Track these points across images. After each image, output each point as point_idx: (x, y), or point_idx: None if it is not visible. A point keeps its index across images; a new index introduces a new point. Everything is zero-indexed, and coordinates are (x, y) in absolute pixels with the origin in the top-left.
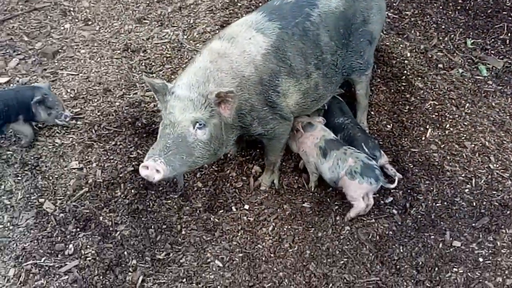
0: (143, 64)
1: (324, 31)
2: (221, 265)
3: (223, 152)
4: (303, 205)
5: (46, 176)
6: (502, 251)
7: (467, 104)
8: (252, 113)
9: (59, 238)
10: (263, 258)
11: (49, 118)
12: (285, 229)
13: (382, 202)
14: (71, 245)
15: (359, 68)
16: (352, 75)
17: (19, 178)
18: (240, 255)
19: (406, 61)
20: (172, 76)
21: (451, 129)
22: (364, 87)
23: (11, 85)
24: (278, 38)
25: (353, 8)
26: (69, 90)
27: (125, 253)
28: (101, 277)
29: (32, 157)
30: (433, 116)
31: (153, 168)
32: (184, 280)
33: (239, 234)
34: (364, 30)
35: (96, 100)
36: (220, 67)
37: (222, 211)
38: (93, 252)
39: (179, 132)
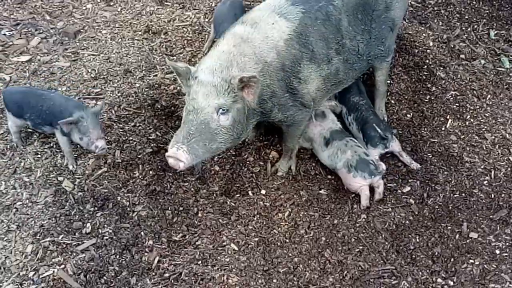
0: (163, 46)
1: (345, 15)
2: (236, 248)
3: (244, 137)
4: (320, 192)
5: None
6: None
7: (489, 96)
8: (273, 99)
9: (77, 216)
10: (279, 243)
11: (81, 142)
12: (301, 215)
13: (399, 191)
14: (88, 224)
15: (380, 54)
16: (374, 61)
17: (38, 156)
18: (256, 239)
19: (428, 51)
20: (193, 59)
21: (472, 120)
22: (384, 73)
23: (33, 64)
24: (301, 23)
25: None
26: (89, 70)
27: (142, 233)
28: (117, 256)
29: (51, 135)
30: (454, 106)
31: (177, 158)
32: (200, 262)
33: (255, 218)
34: (386, 17)
35: (116, 81)
36: (244, 52)
37: (238, 195)
38: (110, 231)
39: (202, 119)
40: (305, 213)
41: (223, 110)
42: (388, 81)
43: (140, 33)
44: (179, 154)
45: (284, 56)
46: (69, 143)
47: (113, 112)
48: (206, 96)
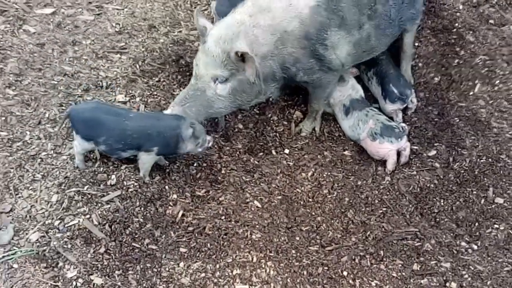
0: (188, 2)
1: None
2: (259, 205)
3: (264, 98)
4: (344, 153)
5: None
6: None
7: None
8: (297, 65)
9: (102, 168)
10: (302, 202)
11: (195, 148)
12: (324, 175)
13: (424, 155)
14: (113, 176)
15: (411, 17)
16: (405, 25)
17: (63, 107)
18: (279, 197)
19: (457, 14)
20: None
21: (501, 85)
22: (412, 36)
23: (57, 17)
24: None
25: None
26: (114, 24)
27: (166, 187)
28: (142, 209)
29: (76, 88)
30: (483, 71)
31: None
32: (223, 217)
33: (278, 177)
34: None
35: (140, 35)
36: (258, 23)
37: (262, 153)
38: (135, 184)
39: (200, 86)
40: (329, 173)
41: (221, 80)
42: (416, 44)
43: None
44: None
45: (308, 24)
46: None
47: (138, 66)
48: (206, 64)
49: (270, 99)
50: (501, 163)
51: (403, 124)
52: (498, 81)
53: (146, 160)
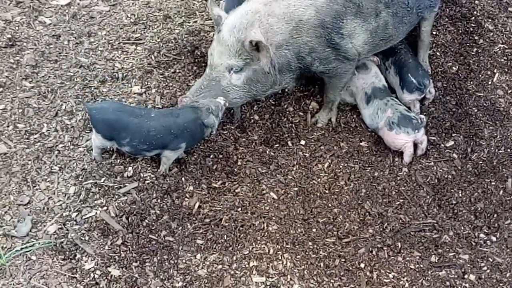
0: None
1: None
2: (276, 197)
3: (279, 89)
4: (360, 144)
5: (107, 99)
6: None
7: None
8: (312, 54)
9: (119, 160)
10: (318, 194)
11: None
12: (341, 166)
13: (442, 145)
14: (130, 168)
15: (429, 5)
16: (423, 13)
17: (79, 99)
18: (295, 189)
19: (476, 1)
20: None
21: None
22: (430, 24)
23: (72, 8)
24: None
25: None
26: (129, 15)
27: (183, 179)
28: (158, 201)
29: (92, 79)
30: (502, 60)
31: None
32: (239, 209)
33: (295, 168)
34: None
35: (156, 26)
36: (273, 11)
37: (278, 145)
38: (151, 175)
39: (215, 76)
40: (345, 164)
41: (236, 69)
42: (434, 32)
43: None
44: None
45: (324, 12)
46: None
47: (153, 57)
48: (220, 54)
49: (286, 89)
50: None
51: (422, 116)
52: None
53: (172, 156)
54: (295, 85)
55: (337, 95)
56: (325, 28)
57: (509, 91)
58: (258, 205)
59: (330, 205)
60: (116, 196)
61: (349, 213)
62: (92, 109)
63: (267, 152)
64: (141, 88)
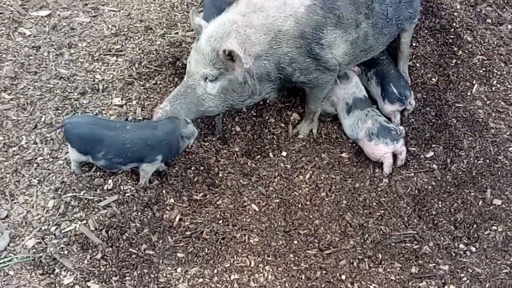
0: (185, 3)
1: None
2: (257, 209)
3: (259, 99)
4: (341, 155)
5: (87, 111)
6: None
7: None
8: (292, 65)
9: (98, 173)
10: (299, 205)
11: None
12: (322, 178)
13: (422, 156)
14: (110, 181)
15: (409, 17)
16: (403, 24)
17: (59, 111)
18: (277, 200)
19: (455, 13)
20: None
21: (498, 85)
22: (410, 35)
23: (53, 19)
24: None
25: None
26: (110, 26)
27: (164, 191)
28: (139, 214)
29: (72, 91)
30: (481, 71)
31: (160, 114)
32: (221, 221)
33: (276, 180)
34: None
35: (137, 37)
36: (251, 23)
37: (259, 156)
38: (132, 188)
39: (191, 83)
40: (326, 176)
41: (211, 78)
42: (413, 44)
43: None
44: (159, 113)
45: (304, 23)
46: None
47: (134, 69)
48: (196, 62)
49: (267, 100)
50: (499, 164)
51: (401, 127)
52: (495, 81)
53: (149, 169)
54: (277, 96)
55: (318, 106)
56: (305, 39)
57: (487, 102)
58: (240, 217)
59: (311, 216)
60: (96, 210)
61: (330, 224)
62: (66, 124)
63: (249, 163)
64: (122, 99)
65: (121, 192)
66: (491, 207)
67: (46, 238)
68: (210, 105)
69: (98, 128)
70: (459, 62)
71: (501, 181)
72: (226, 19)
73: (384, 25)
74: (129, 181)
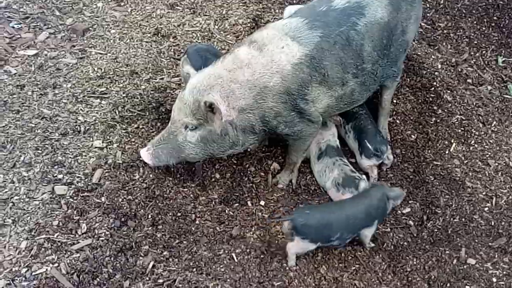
0: (172, 50)
1: (369, 41)
2: (232, 258)
3: (241, 149)
4: None
5: (66, 152)
6: None
7: (494, 122)
8: (278, 118)
9: (73, 216)
10: (275, 256)
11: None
12: None
13: (399, 212)
14: (84, 224)
15: (392, 75)
16: (385, 81)
17: (39, 151)
18: (253, 250)
19: (436, 73)
20: None
21: (476, 145)
22: (392, 92)
23: (39, 59)
24: (317, 47)
25: (395, 19)
26: (96, 69)
27: (139, 237)
28: (112, 259)
29: (54, 131)
30: (459, 130)
31: (143, 156)
32: (195, 269)
33: (253, 229)
34: (402, 40)
35: (122, 81)
36: (236, 78)
37: (237, 204)
38: (106, 233)
39: (173, 130)
40: None
41: (191, 127)
42: (394, 101)
43: (149, 35)
44: (143, 155)
45: (289, 81)
46: None
47: (117, 112)
48: (179, 110)
49: (248, 149)
50: (474, 223)
51: (364, 176)
52: (473, 141)
53: (370, 232)
54: (258, 146)
55: (300, 157)
56: (290, 95)
57: (465, 161)
58: (214, 266)
59: (286, 268)
60: (69, 253)
61: (305, 277)
62: (295, 217)
63: (226, 211)
64: (103, 142)
65: (95, 236)
66: (465, 266)
67: (16, 280)
68: (190, 152)
69: (325, 215)
70: (438, 120)
71: (476, 240)
72: (211, 73)
73: (371, 83)
74: (104, 225)
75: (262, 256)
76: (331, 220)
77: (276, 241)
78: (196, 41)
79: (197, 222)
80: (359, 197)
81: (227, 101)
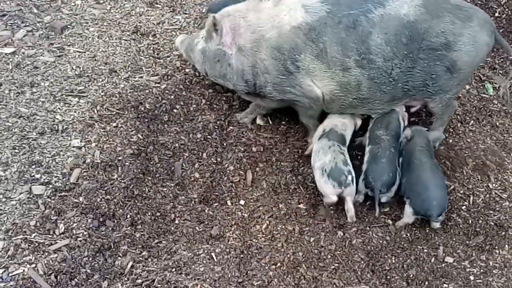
0: (151, 48)
1: (380, 32)
2: (212, 258)
3: (231, 86)
4: (299, 206)
5: (44, 152)
6: (493, 271)
7: (472, 121)
8: (265, 75)
9: (51, 215)
10: (255, 256)
11: None
12: (278, 228)
13: (377, 210)
14: (62, 225)
15: (426, 90)
16: (416, 94)
17: (16, 151)
18: (232, 250)
19: None
20: (177, 63)
21: (454, 144)
22: (439, 106)
23: (17, 57)
24: (320, 20)
25: (428, 23)
26: (74, 67)
27: (117, 237)
28: (90, 259)
29: (31, 130)
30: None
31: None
32: (174, 270)
33: (232, 229)
34: (443, 54)
35: (100, 80)
36: (247, 17)
37: (217, 204)
38: (84, 233)
39: (196, 35)
40: (283, 226)
41: (203, 37)
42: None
43: (128, 33)
44: (178, 37)
45: (283, 39)
46: None
47: (95, 111)
48: (204, 26)
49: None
50: (452, 222)
51: (352, 174)
52: (451, 140)
53: None
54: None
55: (307, 122)
56: (281, 53)
57: (443, 161)
58: (193, 266)
59: (266, 267)
60: (46, 253)
61: (284, 276)
62: None
63: (206, 211)
64: (81, 141)
65: (73, 236)
66: (443, 265)
67: None
68: (196, 56)
69: None
70: (417, 120)
71: (454, 239)
72: (236, 7)
73: (385, 83)
74: (82, 225)
75: (241, 255)
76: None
77: (256, 241)
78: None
79: (176, 221)
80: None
81: (232, 34)
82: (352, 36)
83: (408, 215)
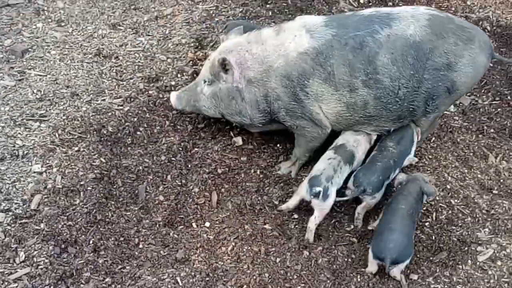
0: (114, 70)
1: (387, 52)
2: (177, 282)
3: (249, 122)
4: (264, 226)
5: (4, 178)
6: (457, 287)
7: (433, 138)
8: (278, 102)
9: (11, 243)
10: (221, 278)
11: None
12: (244, 249)
13: (342, 230)
14: (22, 252)
15: (424, 108)
16: (415, 111)
17: None
18: (198, 273)
19: None
20: (140, 85)
21: (416, 161)
22: (427, 122)
23: None
24: (326, 44)
25: (433, 43)
26: (35, 91)
27: (79, 264)
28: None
29: None
30: None
31: (171, 97)
32: None
33: (198, 251)
34: (445, 74)
35: (62, 103)
36: (251, 50)
37: (182, 226)
38: (46, 260)
39: (197, 81)
40: (249, 247)
41: (208, 82)
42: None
43: (90, 56)
44: (171, 96)
45: (291, 67)
46: None
47: (57, 135)
48: (205, 66)
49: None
50: (416, 238)
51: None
52: None
53: None
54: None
55: (302, 155)
56: (290, 81)
57: None
58: None
59: None
60: (6, 283)
61: None
62: None
63: (171, 234)
64: (42, 167)
65: (34, 264)
66: (407, 282)
67: None
68: (203, 104)
69: None
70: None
71: (417, 256)
72: (236, 40)
73: (391, 102)
74: (43, 253)
75: (207, 278)
76: None
77: (222, 263)
78: (139, 62)
79: (140, 246)
80: None
81: (240, 68)
82: (359, 57)
83: (370, 260)
